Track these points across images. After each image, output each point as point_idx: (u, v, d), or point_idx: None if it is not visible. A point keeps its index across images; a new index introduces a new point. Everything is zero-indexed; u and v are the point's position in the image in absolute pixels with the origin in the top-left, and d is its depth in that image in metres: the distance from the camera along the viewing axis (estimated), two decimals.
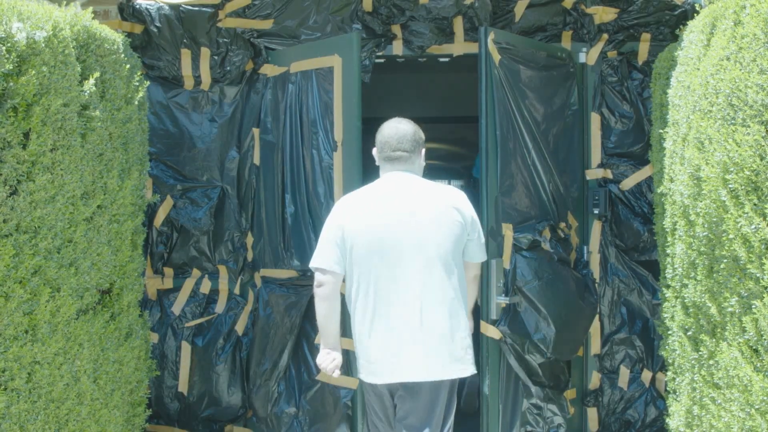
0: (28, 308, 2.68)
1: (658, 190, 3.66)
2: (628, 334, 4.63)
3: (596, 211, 4.59)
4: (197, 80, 4.60)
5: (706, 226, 2.89)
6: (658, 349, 4.31)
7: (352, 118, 4.13)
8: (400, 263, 3.12)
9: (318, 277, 3.19)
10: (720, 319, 2.88)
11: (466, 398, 5.27)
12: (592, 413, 4.66)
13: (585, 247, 4.66)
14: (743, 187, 2.63)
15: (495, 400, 4.14)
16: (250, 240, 4.63)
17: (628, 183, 4.61)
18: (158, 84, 4.59)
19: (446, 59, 5.06)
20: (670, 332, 3.50)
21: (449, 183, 14.78)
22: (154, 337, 4.53)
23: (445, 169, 13.78)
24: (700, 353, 3.08)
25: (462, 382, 3.85)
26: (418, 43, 4.56)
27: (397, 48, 4.61)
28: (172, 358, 4.59)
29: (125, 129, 3.51)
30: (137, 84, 3.67)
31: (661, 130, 3.66)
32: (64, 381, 2.93)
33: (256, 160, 4.61)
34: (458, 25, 4.57)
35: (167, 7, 4.50)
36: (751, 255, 2.61)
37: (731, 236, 2.68)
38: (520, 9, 4.56)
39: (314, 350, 4.20)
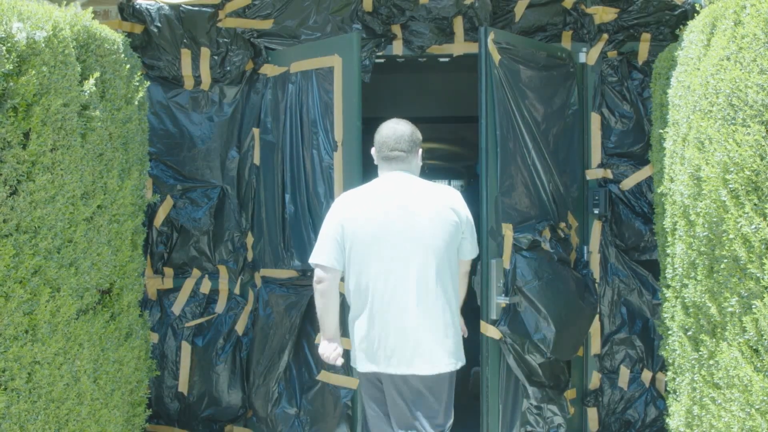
0: (28, 308, 2.68)
1: (658, 190, 3.66)
2: (628, 334, 4.63)
3: (596, 211, 4.59)
4: (197, 80, 4.60)
5: (706, 226, 2.89)
6: (658, 349, 4.30)
7: (352, 118, 4.13)
8: (397, 259, 3.18)
9: (317, 273, 3.25)
10: (720, 319, 2.88)
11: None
12: (592, 413, 4.66)
13: (585, 247, 4.66)
14: (743, 187, 2.63)
15: (495, 400, 4.14)
16: (250, 240, 4.63)
17: (628, 183, 4.61)
18: (158, 84, 4.59)
19: (446, 59, 5.06)
20: (670, 332, 3.50)
21: (449, 183, 14.79)
22: (154, 337, 4.53)
23: (445, 169, 13.77)
24: (700, 353, 3.08)
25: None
26: (418, 43, 4.56)
27: (397, 48, 4.61)
28: (172, 358, 4.59)
29: (125, 129, 3.51)
30: (137, 84, 3.67)
31: (661, 130, 3.65)
32: (64, 381, 2.93)
33: (256, 160, 4.61)
34: (458, 25, 4.57)
35: (167, 7, 4.50)
36: (751, 255, 2.61)
37: (731, 236, 2.68)
38: (520, 9, 4.56)
39: (314, 350, 4.20)
